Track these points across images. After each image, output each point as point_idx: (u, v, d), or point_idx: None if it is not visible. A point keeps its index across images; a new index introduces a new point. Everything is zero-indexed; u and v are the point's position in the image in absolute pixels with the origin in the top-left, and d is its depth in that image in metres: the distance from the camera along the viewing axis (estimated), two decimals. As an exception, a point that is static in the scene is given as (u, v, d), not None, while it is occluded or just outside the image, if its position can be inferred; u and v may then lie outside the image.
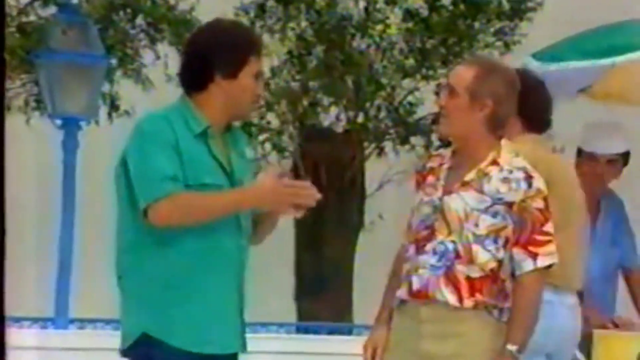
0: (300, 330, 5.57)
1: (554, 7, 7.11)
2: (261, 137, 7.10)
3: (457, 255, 2.44)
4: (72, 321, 5.46)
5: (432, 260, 2.45)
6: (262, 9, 7.03)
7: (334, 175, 7.08)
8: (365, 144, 7.17)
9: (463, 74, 2.48)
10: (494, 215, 2.44)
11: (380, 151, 7.21)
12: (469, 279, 2.42)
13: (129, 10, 6.90)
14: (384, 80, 7.07)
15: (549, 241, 2.44)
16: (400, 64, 7.05)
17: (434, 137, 7.29)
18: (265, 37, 7.03)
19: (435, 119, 7.26)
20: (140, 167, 2.28)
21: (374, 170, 7.19)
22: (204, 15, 6.91)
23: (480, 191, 2.45)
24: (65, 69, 5.78)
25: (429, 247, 2.46)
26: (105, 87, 6.81)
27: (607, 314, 3.25)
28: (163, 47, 6.99)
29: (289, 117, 7.07)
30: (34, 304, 5.49)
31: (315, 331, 5.62)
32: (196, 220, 2.27)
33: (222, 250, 2.31)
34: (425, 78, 7.13)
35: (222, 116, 2.34)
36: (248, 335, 2.93)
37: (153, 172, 2.26)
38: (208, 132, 2.31)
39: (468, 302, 2.41)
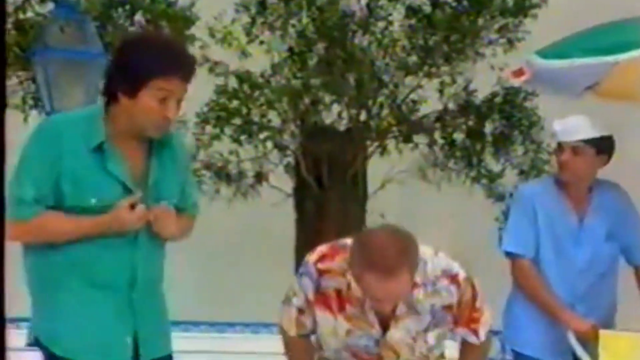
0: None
1: (558, 3, 7.11)
2: (262, 136, 7.10)
3: None
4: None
5: None
6: (262, 5, 7.03)
7: (335, 173, 7.08)
8: (368, 142, 7.17)
9: (404, 283, 2.33)
10: (437, 324, 2.49)
11: (383, 149, 7.21)
12: None
13: (127, 7, 6.90)
14: (386, 78, 7.06)
15: (483, 313, 2.54)
16: (403, 61, 7.04)
17: (437, 135, 7.29)
18: (266, 34, 7.03)
19: (438, 118, 7.25)
20: (11, 181, 2.28)
21: (376, 168, 7.18)
22: (204, 11, 6.92)
23: (417, 314, 2.47)
24: (62, 66, 5.79)
25: None
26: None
27: (600, 311, 3.27)
28: (162, 44, 6.98)
29: (290, 115, 7.07)
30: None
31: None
32: (51, 241, 2.29)
33: (106, 264, 2.30)
34: (428, 75, 7.12)
35: (127, 131, 2.31)
36: (250, 336, 2.90)
37: (16, 191, 2.27)
38: (104, 147, 2.29)
39: None
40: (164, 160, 2.36)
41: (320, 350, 2.55)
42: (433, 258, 2.47)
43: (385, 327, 2.48)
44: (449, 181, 7.22)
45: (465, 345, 2.58)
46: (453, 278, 2.48)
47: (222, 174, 7.12)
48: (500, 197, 7.22)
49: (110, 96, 2.33)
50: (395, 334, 2.49)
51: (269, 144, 7.15)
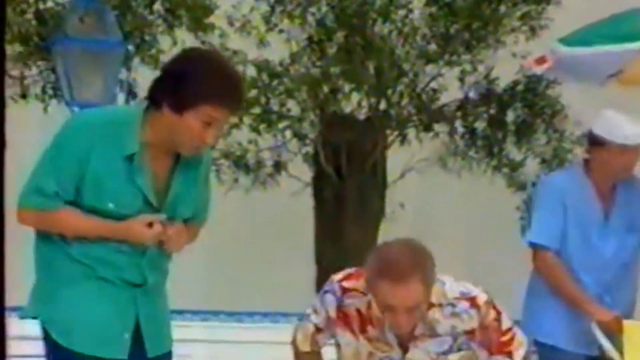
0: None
1: (582, -10, 7.03)
2: (281, 125, 7.09)
3: None
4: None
5: None
6: (281, -7, 7.02)
7: (355, 163, 7.06)
8: (387, 131, 7.14)
9: (414, 291, 2.36)
10: (460, 347, 2.49)
11: (403, 138, 7.18)
12: None
13: (147, -4, 6.90)
14: (406, 66, 7.03)
15: (514, 335, 2.52)
16: (423, 49, 7.00)
17: (457, 124, 7.25)
18: (285, 23, 7.01)
19: (459, 107, 7.21)
20: (36, 166, 2.29)
21: (396, 158, 7.16)
22: (222, 0, 6.90)
23: (437, 336, 2.48)
24: (82, 55, 5.80)
25: None
26: (123, 74, 6.82)
27: (623, 302, 3.25)
28: (181, 33, 6.99)
29: (310, 104, 7.05)
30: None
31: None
32: (63, 233, 2.30)
33: (115, 264, 2.32)
34: (449, 64, 7.08)
35: (160, 141, 2.31)
36: (269, 325, 2.91)
37: (37, 179, 2.29)
38: (135, 158, 2.29)
39: None
40: (187, 179, 2.36)
41: None
42: (452, 282, 2.50)
43: (405, 349, 2.49)
44: (469, 170, 7.18)
45: None
46: (472, 301, 2.50)
47: (241, 163, 7.13)
48: (521, 187, 7.18)
49: (154, 102, 2.30)
50: (415, 355, 2.48)
51: (288, 133, 7.14)
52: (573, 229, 3.20)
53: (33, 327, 2.51)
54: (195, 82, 2.25)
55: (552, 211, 3.20)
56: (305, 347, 2.56)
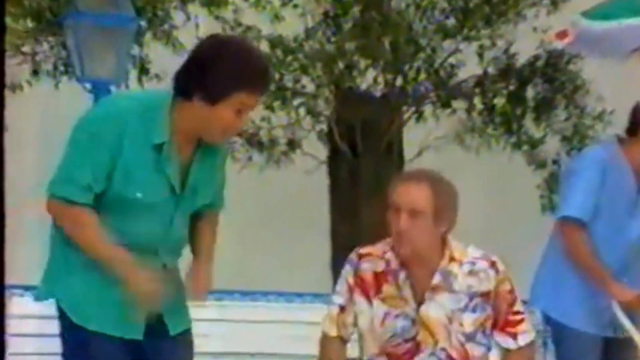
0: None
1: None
2: (295, 102, 7.08)
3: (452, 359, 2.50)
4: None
5: None
6: (296, -33, 6.97)
7: (370, 141, 7.04)
8: (404, 108, 7.11)
9: (422, 194, 2.46)
10: (474, 309, 2.52)
11: (420, 116, 7.15)
12: None
13: (159, -29, 6.88)
14: (423, 42, 6.98)
15: (523, 319, 2.56)
16: (441, 24, 6.95)
17: (476, 101, 7.21)
18: (300, -3, 6.98)
19: (477, 83, 7.16)
20: (66, 157, 2.28)
21: (412, 135, 7.13)
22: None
23: (452, 291, 2.52)
24: (94, 31, 5.79)
25: None
26: (135, 50, 6.82)
27: None
28: (194, 8, 6.97)
29: (324, 81, 7.03)
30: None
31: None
32: (74, 240, 2.31)
33: (130, 249, 2.32)
34: (467, 39, 7.02)
35: (191, 133, 2.31)
36: (283, 305, 2.93)
37: (69, 169, 2.27)
38: (164, 147, 2.28)
39: None
40: (205, 166, 2.37)
41: None
42: (475, 247, 2.56)
43: (420, 303, 2.52)
44: (488, 148, 7.14)
45: (505, 355, 2.57)
46: (492, 263, 2.55)
47: (254, 141, 7.12)
48: (541, 164, 7.14)
49: (183, 92, 2.28)
50: (430, 308, 2.51)
51: (302, 111, 7.12)
52: (605, 206, 3.17)
53: (35, 306, 2.54)
54: (225, 71, 2.24)
55: (591, 186, 3.17)
56: (332, 330, 2.59)
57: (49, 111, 7.01)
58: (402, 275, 2.52)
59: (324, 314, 2.74)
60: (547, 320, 3.24)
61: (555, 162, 7.17)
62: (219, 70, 2.24)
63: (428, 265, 2.53)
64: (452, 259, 2.53)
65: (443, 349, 2.52)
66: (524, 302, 2.65)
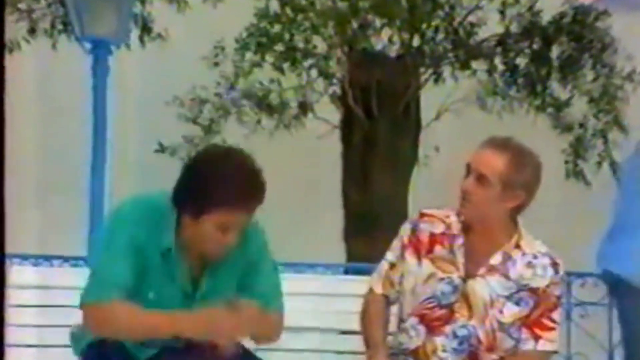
0: (348, 271, 5.62)
1: None
2: (306, 63, 7.05)
3: (479, 341, 2.52)
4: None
5: (453, 343, 2.52)
6: None
7: (386, 104, 7.02)
8: (421, 69, 7.07)
9: (495, 161, 2.46)
10: (518, 302, 2.52)
11: (438, 77, 7.11)
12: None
13: None
14: (441, -2, 6.93)
15: (554, 328, 2.55)
16: (461, -21, 6.89)
17: (497, 61, 7.16)
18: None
19: (499, 42, 7.10)
20: (98, 262, 2.36)
21: (430, 98, 7.10)
22: None
23: (506, 276, 2.52)
24: (93, -13, 5.75)
25: (447, 329, 2.53)
26: (137, 8, 6.79)
27: None
28: (199, -36, 6.93)
29: (337, 41, 6.99)
30: (64, 242, 5.61)
31: (365, 273, 5.64)
32: (124, 333, 2.33)
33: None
34: (489, -5, 6.97)
35: (190, 246, 2.38)
36: (294, 276, 2.93)
37: (109, 271, 2.33)
38: (172, 252, 2.36)
39: None
40: (218, 270, 2.42)
41: (399, 327, 2.60)
42: (541, 243, 2.57)
43: (470, 275, 2.53)
44: (510, 111, 7.10)
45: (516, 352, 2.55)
46: (555, 264, 2.56)
47: (263, 105, 7.11)
48: (567, 128, 7.10)
49: (177, 204, 2.37)
50: (476, 285, 2.52)
51: (314, 72, 7.09)
52: None
53: (69, 276, 2.57)
54: (206, 188, 2.30)
55: None
56: (378, 287, 2.63)
57: (47, 74, 7.01)
58: (459, 241, 2.54)
59: (335, 285, 2.75)
60: (607, 274, 3.25)
61: (581, 125, 7.13)
62: (201, 186, 2.31)
63: (491, 242, 2.53)
64: (517, 246, 2.54)
65: (474, 326, 2.53)
66: (569, 274, 2.65)
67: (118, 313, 2.30)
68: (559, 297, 2.56)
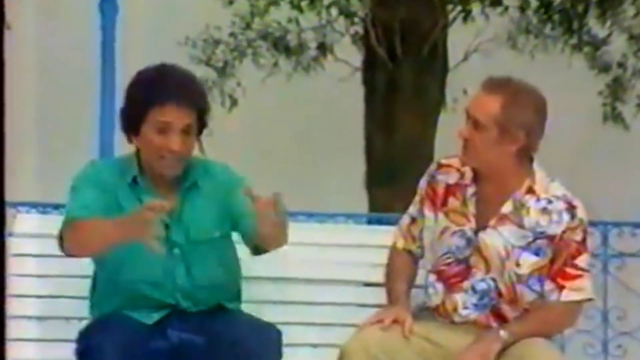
0: (371, 221, 5.61)
1: None
2: (326, 1, 6.97)
3: (500, 294, 2.51)
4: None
5: (473, 299, 2.52)
6: None
7: (411, 45, 6.94)
8: (449, 6, 6.97)
9: (488, 104, 2.44)
10: (536, 252, 2.48)
11: (467, 15, 7.01)
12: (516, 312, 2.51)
13: None
14: None
15: (580, 276, 2.48)
16: None
17: (531, -3, 7.04)
18: None
19: None
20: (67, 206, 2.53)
21: (458, 38, 7.02)
22: None
23: (520, 225, 2.49)
24: None
25: (466, 284, 2.52)
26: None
27: None
28: None
29: (359, -24, 6.91)
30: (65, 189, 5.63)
31: (389, 223, 5.63)
32: (86, 249, 2.49)
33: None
34: None
35: (152, 170, 2.53)
36: (315, 226, 2.93)
37: (72, 206, 2.51)
38: (138, 180, 2.53)
39: None
40: (193, 200, 2.55)
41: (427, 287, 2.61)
42: (560, 185, 2.53)
43: (480, 227, 2.52)
44: (544, 50, 7.01)
45: (540, 302, 2.53)
46: (571, 207, 2.51)
47: (281, 45, 7.06)
48: (605, 68, 7.00)
49: (128, 138, 2.55)
50: (489, 236, 2.51)
51: (334, 11, 7.01)
52: None
53: (38, 223, 2.61)
54: (135, 96, 2.50)
55: None
56: (399, 242, 2.66)
57: (54, 13, 6.98)
58: (470, 190, 2.53)
59: (357, 236, 2.75)
60: None
61: (620, 65, 7.03)
62: (132, 96, 2.51)
63: (502, 189, 2.50)
64: (530, 191, 2.50)
65: (493, 279, 2.52)
66: (605, 223, 2.62)
67: (79, 226, 2.45)
68: (581, 242, 2.50)
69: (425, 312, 2.59)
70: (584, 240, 2.51)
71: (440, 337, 2.53)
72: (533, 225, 2.49)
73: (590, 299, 2.55)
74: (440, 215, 2.56)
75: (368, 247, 2.84)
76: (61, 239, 2.48)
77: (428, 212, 2.59)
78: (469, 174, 2.55)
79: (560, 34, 7.01)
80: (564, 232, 2.48)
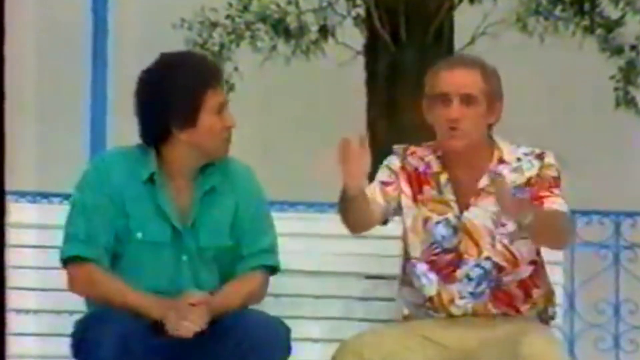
0: (374, 212, 5.63)
1: None
2: (327, -19, 7.00)
3: (500, 269, 2.55)
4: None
5: (469, 287, 2.56)
6: None
7: (416, 27, 6.96)
8: (455, -13, 7.00)
9: (473, 78, 2.52)
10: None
11: (473, -4, 7.04)
12: (520, 284, 2.56)
13: None
14: None
15: (559, 196, 2.55)
16: None
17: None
18: None
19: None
20: (68, 220, 2.53)
21: (464, 20, 7.04)
22: None
23: None
24: None
25: (459, 273, 2.56)
26: None
27: None
28: None
29: (360, -44, 6.93)
30: (62, 178, 5.68)
31: (393, 213, 5.64)
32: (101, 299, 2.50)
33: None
34: None
35: (178, 167, 2.52)
36: (315, 216, 2.98)
37: (68, 230, 2.52)
38: (155, 179, 2.51)
39: (525, 308, 2.59)
40: (209, 206, 2.55)
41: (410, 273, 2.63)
42: (527, 146, 2.62)
43: (464, 209, 2.58)
44: (554, 32, 7.03)
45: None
46: (539, 155, 2.60)
47: (280, 28, 7.07)
48: (617, 51, 7.01)
49: (156, 137, 2.53)
50: (474, 214, 2.56)
51: (336, -8, 7.04)
52: None
53: (34, 213, 2.67)
54: (184, 85, 2.50)
55: None
56: (368, 191, 2.64)
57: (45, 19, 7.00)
58: (443, 177, 2.59)
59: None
60: None
61: (633, 47, 7.04)
62: (179, 90, 2.49)
63: (475, 167, 2.58)
64: (501, 161, 2.59)
65: (488, 258, 2.56)
66: (617, 213, 2.66)
67: (97, 282, 2.49)
68: (555, 178, 2.57)
69: (420, 310, 2.62)
70: (559, 178, 2.59)
71: (438, 336, 2.56)
72: (510, 186, 2.55)
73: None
74: (418, 204, 2.62)
75: (369, 237, 2.88)
76: (64, 262, 2.52)
77: (405, 186, 2.63)
78: (434, 161, 2.61)
79: (571, 15, 7.02)
80: (538, 173, 2.57)
